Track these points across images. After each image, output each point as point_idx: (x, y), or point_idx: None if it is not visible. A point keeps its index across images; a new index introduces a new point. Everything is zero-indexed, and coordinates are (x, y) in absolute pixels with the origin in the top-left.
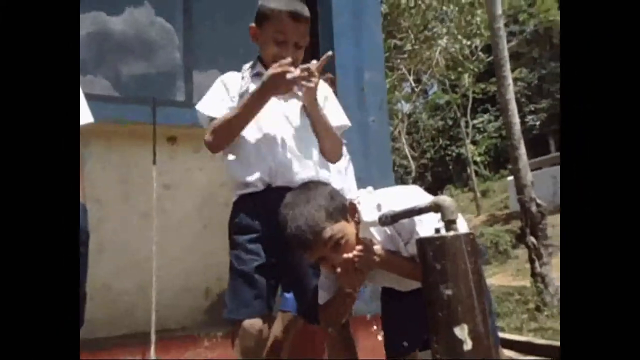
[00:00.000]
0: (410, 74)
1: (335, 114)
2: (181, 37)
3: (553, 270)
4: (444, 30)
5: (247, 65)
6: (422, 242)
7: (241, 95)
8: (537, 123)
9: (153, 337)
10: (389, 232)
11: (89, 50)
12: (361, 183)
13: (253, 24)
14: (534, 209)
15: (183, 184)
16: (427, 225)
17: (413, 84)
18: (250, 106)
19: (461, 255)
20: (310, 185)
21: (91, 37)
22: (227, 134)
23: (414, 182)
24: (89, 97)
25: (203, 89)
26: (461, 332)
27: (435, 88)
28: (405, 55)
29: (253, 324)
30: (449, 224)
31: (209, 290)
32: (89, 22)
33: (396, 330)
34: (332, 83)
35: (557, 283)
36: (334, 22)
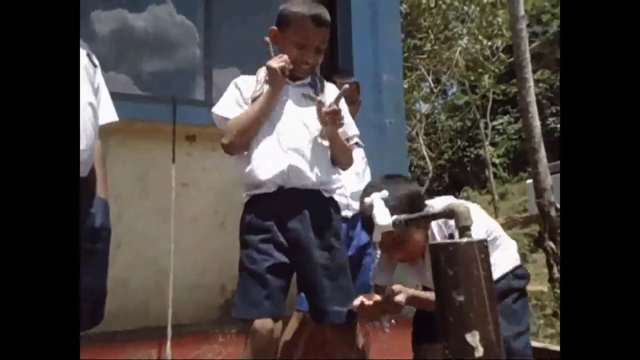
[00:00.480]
0: (429, 74)
1: (346, 126)
2: (202, 35)
3: None
4: (465, 30)
5: (262, 68)
6: (436, 248)
7: (255, 99)
8: (558, 126)
9: (169, 333)
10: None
11: (111, 48)
12: None
13: (274, 27)
14: (553, 213)
15: (200, 182)
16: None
17: (432, 85)
18: (263, 105)
19: (474, 261)
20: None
21: (113, 34)
22: (242, 134)
23: (431, 183)
24: (111, 95)
25: (223, 88)
26: (472, 338)
27: (455, 89)
28: (425, 56)
29: (264, 324)
30: (463, 230)
31: (224, 287)
32: (111, 19)
33: (424, 324)
34: (357, 88)
35: None
36: (352, 23)
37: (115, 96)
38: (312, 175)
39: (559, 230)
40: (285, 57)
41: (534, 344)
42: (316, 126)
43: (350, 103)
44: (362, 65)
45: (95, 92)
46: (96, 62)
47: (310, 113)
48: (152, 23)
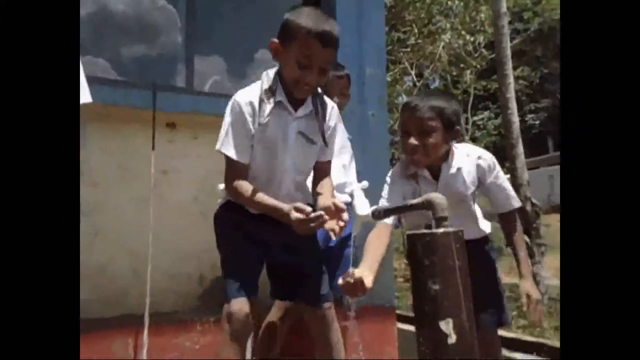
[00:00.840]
0: (412, 68)
1: (338, 148)
2: (184, 20)
3: (544, 270)
4: (448, 25)
5: (265, 81)
6: (413, 238)
7: (262, 124)
8: (537, 122)
9: (147, 321)
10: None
11: (89, 31)
12: (359, 176)
13: (275, 39)
14: (528, 208)
15: (181, 170)
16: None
17: (415, 79)
18: (268, 210)
19: (450, 252)
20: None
21: (91, 17)
22: (245, 202)
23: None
24: (88, 79)
25: (204, 75)
26: (446, 326)
27: (437, 83)
28: (409, 49)
29: (241, 306)
30: (440, 220)
31: (203, 276)
32: (90, 1)
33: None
34: (349, 81)
35: (548, 282)
36: (337, 15)
37: (93, 80)
38: (298, 198)
39: (534, 225)
40: (308, 210)
41: (507, 334)
42: (310, 149)
43: (342, 96)
44: (346, 57)
45: None
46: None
47: (307, 133)
48: (133, 7)
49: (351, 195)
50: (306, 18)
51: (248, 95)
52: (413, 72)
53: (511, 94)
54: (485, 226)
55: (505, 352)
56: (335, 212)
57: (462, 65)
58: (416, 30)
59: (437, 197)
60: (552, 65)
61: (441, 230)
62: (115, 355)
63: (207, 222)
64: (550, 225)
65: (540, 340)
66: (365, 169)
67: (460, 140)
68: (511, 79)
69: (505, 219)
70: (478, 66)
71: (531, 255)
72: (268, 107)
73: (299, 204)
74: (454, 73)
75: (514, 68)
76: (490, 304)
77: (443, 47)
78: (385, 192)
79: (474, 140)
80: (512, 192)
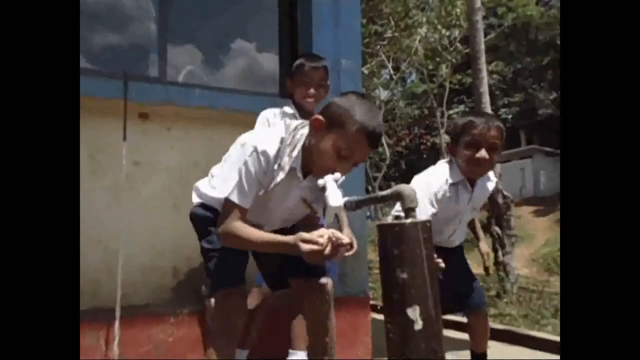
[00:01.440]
0: (389, 62)
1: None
2: (157, 9)
3: (514, 260)
4: (424, 19)
5: (286, 134)
6: (382, 228)
7: (279, 169)
8: (509, 116)
9: (118, 313)
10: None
11: None
12: None
13: (321, 117)
14: (500, 200)
15: (153, 162)
16: None
17: (392, 72)
18: (272, 245)
19: (417, 241)
20: None
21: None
22: (241, 243)
23: (388, 169)
24: None
25: (177, 65)
26: (413, 313)
27: (414, 77)
28: (385, 42)
29: (240, 290)
30: (409, 211)
31: (177, 269)
32: None
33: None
34: (326, 71)
35: (517, 272)
36: (313, 6)
37: None
38: None
39: (505, 217)
40: (321, 241)
41: None
42: (301, 215)
43: (320, 87)
44: (322, 49)
45: None
46: None
47: (302, 210)
48: None
49: (324, 187)
50: (360, 112)
51: (267, 146)
52: (390, 65)
53: (484, 88)
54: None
55: None
56: (350, 246)
57: (438, 59)
58: (393, 24)
59: (407, 188)
60: (525, 61)
61: (409, 220)
62: (86, 349)
63: (181, 214)
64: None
65: (509, 328)
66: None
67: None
68: (485, 74)
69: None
70: (453, 60)
71: (502, 245)
72: (281, 173)
73: (304, 235)
74: (430, 67)
75: (488, 63)
76: (476, 288)
77: (419, 41)
78: (427, 195)
79: (448, 133)
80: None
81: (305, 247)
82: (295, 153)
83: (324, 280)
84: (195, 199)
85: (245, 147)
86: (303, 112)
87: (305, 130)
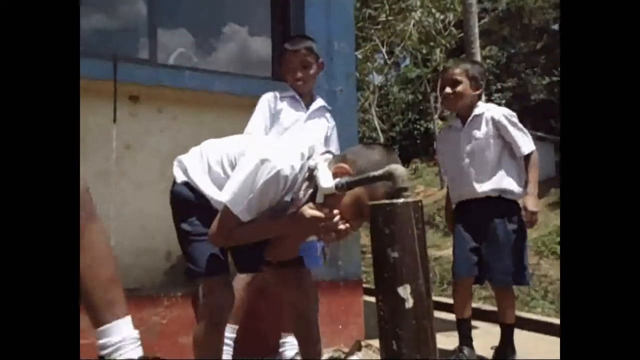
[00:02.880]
0: (383, 46)
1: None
2: None
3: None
4: (419, 3)
5: (308, 158)
6: (374, 208)
7: (292, 203)
8: (503, 101)
9: None
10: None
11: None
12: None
13: (346, 166)
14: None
15: (145, 145)
16: None
17: (386, 56)
18: (275, 227)
19: (409, 221)
20: None
21: None
22: (234, 244)
23: None
24: None
25: (168, 48)
26: (404, 291)
27: (408, 61)
28: (379, 26)
29: (219, 283)
30: (400, 191)
31: (170, 252)
32: None
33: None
34: (308, 50)
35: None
36: None
37: None
38: None
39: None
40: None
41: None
42: None
43: (304, 68)
44: (315, 31)
45: None
46: None
47: None
48: None
49: (314, 167)
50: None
51: (289, 172)
52: (384, 50)
53: None
54: (508, 184)
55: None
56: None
57: (432, 43)
58: (387, 7)
59: (398, 168)
60: (518, 45)
61: (401, 200)
62: (83, 332)
63: None
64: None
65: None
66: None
67: (480, 94)
68: (478, 58)
69: (525, 162)
70: (447, 45)
71: None
72: (292, 209)
73: (311, 204)
74: (424, 51)
75: (482, 47)
76: (508, 264)
77: (414, 25)
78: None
79: (442, 118)
80: (522, 140)
81: (310, 212)
82: (311, 190)
83: (299, 270)
84: (180, 176)
85: (266, 165)
86: (299, 94)
87: (320, 159)
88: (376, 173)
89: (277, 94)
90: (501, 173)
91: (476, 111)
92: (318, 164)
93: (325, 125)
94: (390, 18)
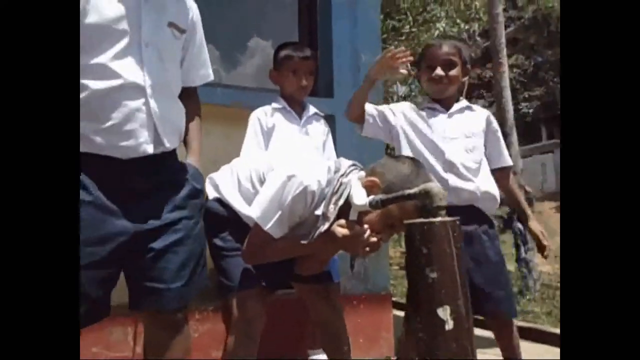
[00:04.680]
0: None
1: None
2: None
3: (537, 256)
4: (443, 13)
5: (335, 172)
6: (411, 227)
7: (324, 219)
8: (531, 111)
9: None
10: None
11: None
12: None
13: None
14: (522, 195)
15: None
16: None
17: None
18: (301, 250)
19: (447, 240)
20: None
21: None
22: (266, 261)
23: None
24: None
25: None
26: (444, 313)
27: None
28: (403, 38)
29: (258, 292)
30: (437, 210)
31: None
32: None
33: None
34: (315, 59)
35: (540, 268)
36: (332, 2)
37: None
38: None
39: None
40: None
41: None
42: None
43: (310, 76)
44: (341, 44)
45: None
46: (184, 26)
47: None
48: None
49: (347, 184)
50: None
51: (316, 187)
52: None
53: (506, 83)
54: (491, 187)
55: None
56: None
57: None
58: (411, 19)
59: (434, 186)
60: (546, 53)
61: (438, 219)
62: (114, 345)
63: None
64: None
65: (532, 325)
66: (359, 158)
67: (466, 82)
68: (506, 68)
69: (500, 175)
70: (473, 54)
71: (524, 242)
72: (326, 223)
73: (342, 221)
74: None
75: (508, 56)
76: (509, 290)
77: (438, 35)
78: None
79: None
80: (506, 152)
81: (341, 231)
82: (341, 202)
83: (329, 285)
84: (211, 193)
85: (293, 182)
86: (293, 103)
87: (353, 176)
88: (411, 191)
89: (267, 109)
90: (485, 175)
91: (463, 103)
92: (351, 180)
93: (320, 131)
94: (414, 29)
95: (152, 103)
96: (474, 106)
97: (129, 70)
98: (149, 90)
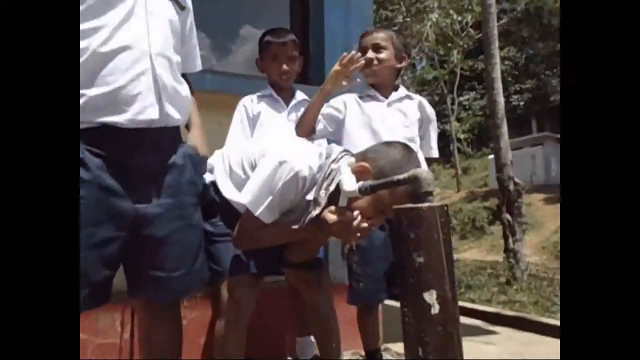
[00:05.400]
0: None
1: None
2: None
3: (525, 247)
4: (436, 4)
5: (327, 156)
6: (398, 212)
7: (315, 204)
8: (521, 103)
9: None
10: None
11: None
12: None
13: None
14: (511, 187)
15: None
16: None
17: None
18: (293, 236)
19: (435, 225)
20: None
21: None
22: (256, 247)
23: None
24: None
25: None
26: (430, 297)
27: (424, 63)
28: (396, 28)
29: (250, 278)
30: (425, 195)
31: None
32: None
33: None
34: (293, 44)
35: (528, 259)
36: None
37: None
38: None
39: (516, 204)
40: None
41: (489, 309)
42: None
43: (290, 60)
44: (334, 34)
45: (183, 41)
46: (184, 4)
47: None
48: None
49: (337, 170)
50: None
51: (307, 173)
52: None
53: (497, 75)
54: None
55: (486, 326)
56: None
57: (449, 44)
58: (404, 9)
59: (423, 171)
60: (537, 46)
61: (426, 204)
62: (102, 331)
63: None
64: (532, 204)
65: (519, 314)
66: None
67: (407, 67)
68: (497, 59)
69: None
70: (465, 46)
71: (512, 233)
72: (317, 208)
73: (332, 207)
74: (441, 52)
75: (500, 48)
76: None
77: (430, 26)
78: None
79: (459, 120)
80: (436, 144)
81: (332, 217)
82: (332, 187)
83: (319, 271)
84: (207, 176)
85: (284, 167)
86: (279, 90)
87: (344, 162)
88: (401, 177)
89: (254, 97)
90: (423, 165)
91: (402, 92)
92: (341, 166)
93: None
94: (407, 20)
95: (158, 69)
96: (414, 95)
97: (135, 34)
98: (154, 57)
